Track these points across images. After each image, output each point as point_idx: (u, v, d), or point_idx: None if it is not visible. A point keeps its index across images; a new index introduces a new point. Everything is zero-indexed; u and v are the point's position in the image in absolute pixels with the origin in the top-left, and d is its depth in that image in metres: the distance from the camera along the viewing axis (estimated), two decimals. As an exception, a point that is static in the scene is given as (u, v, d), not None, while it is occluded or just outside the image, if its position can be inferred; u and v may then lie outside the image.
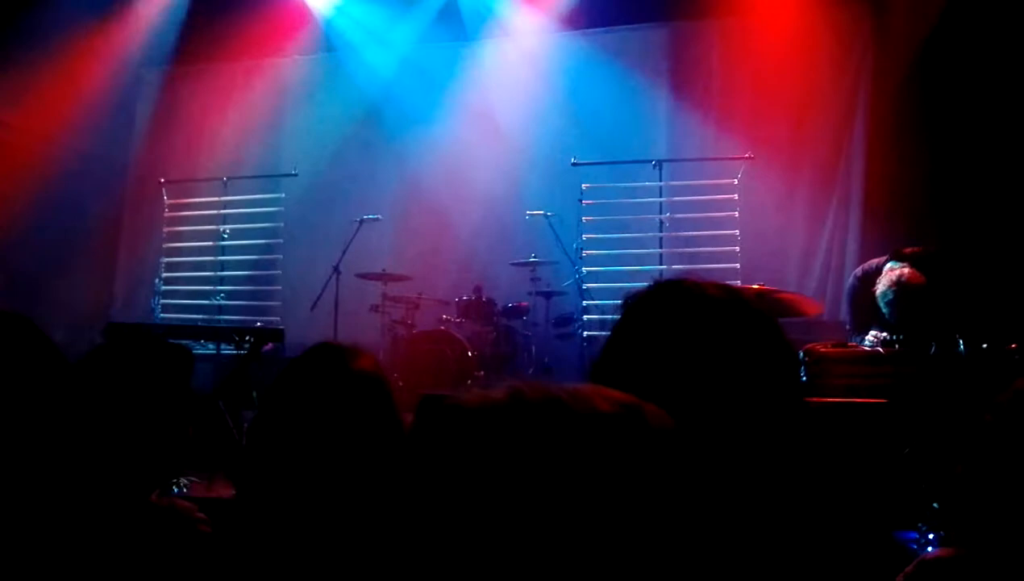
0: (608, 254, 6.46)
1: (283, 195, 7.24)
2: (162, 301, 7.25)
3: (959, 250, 4.75)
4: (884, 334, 4.08)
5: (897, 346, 3.96)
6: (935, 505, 3.18)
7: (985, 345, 3.65)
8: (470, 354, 5.85)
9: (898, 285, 4.11)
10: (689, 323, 0.96)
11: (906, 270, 4.17)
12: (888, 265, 4.26)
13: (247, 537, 1.37)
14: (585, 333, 6.19)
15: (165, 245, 7.39)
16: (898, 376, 3.75)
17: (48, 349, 1.59)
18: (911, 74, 5.93)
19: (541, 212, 6.32)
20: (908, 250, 4.34)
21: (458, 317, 6.23)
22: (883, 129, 6.07)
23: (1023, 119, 5.30)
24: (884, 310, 4.15)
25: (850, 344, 4.24)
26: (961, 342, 3.71)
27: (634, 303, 1.01)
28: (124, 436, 1.41)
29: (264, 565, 1.34)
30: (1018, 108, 5.33)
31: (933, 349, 3.80)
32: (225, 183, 7.21)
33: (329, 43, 7.54)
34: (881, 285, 4.20)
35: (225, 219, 7.20)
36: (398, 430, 1.49)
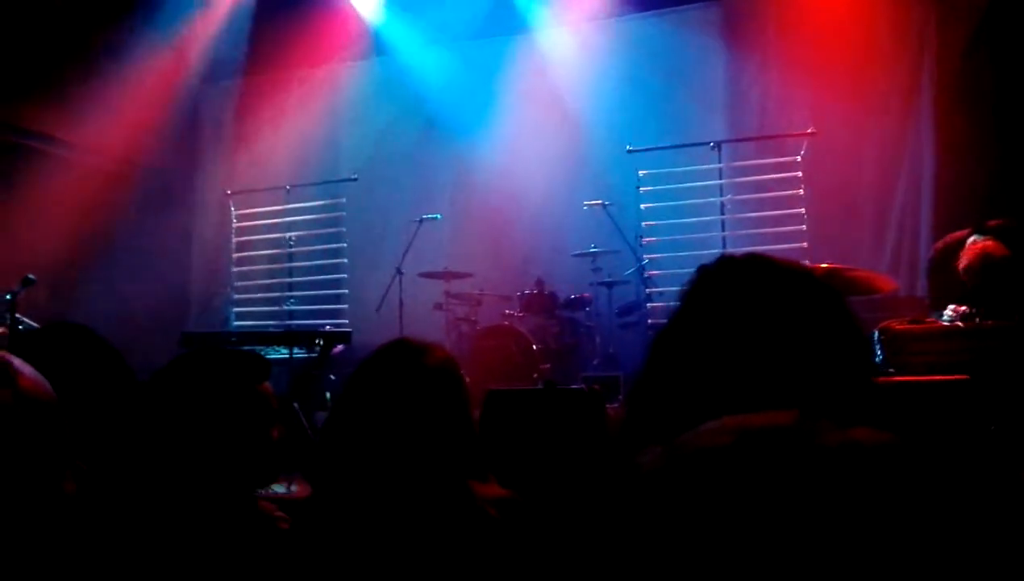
0: (669, 241, 6.36)
1: (344, 200, 7.37)
2: (236, 309, 7.48)
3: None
4: (963, 308, 3.92)
5: (977, 320, 3.80)
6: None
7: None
8: (535, 347, 5.86)
9: (983, 256, 3.99)
10: (760, 295, 0.93)
11: (990, 242, 4.04)
12: (971, 238, 4.12)
13: (323, 533, 1.41)
14: (650, 321, 6.12)
15: (235, 254, 7.62)
16: (979, 351, 3.60)
17: (111, 357, 1.65)
18: (976, 39, 5.66)
19: (599, 202, 6.28)
20: (992, 223, 4.18)
21: (521, 311, 6.25)
22: (950, 97, 5.81)
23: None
24: (969, 280, 4.03)
25: (928, 320, 4.09)
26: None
27: (703, 276, 0.98)
28: (207, 442, 1.45)
29: (340, 561, 1.37)
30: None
31: (1015, 322, 3.63)
32: (288, 191, 7.38)
33: (381, 47, 7.64)
34: (965, 258, 4.08)
35: (290, 226, 7.37)
36: (469, 425, 1.50)
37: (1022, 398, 3.15)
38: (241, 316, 7.46)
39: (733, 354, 0.89)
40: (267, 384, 1.50)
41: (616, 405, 5.12)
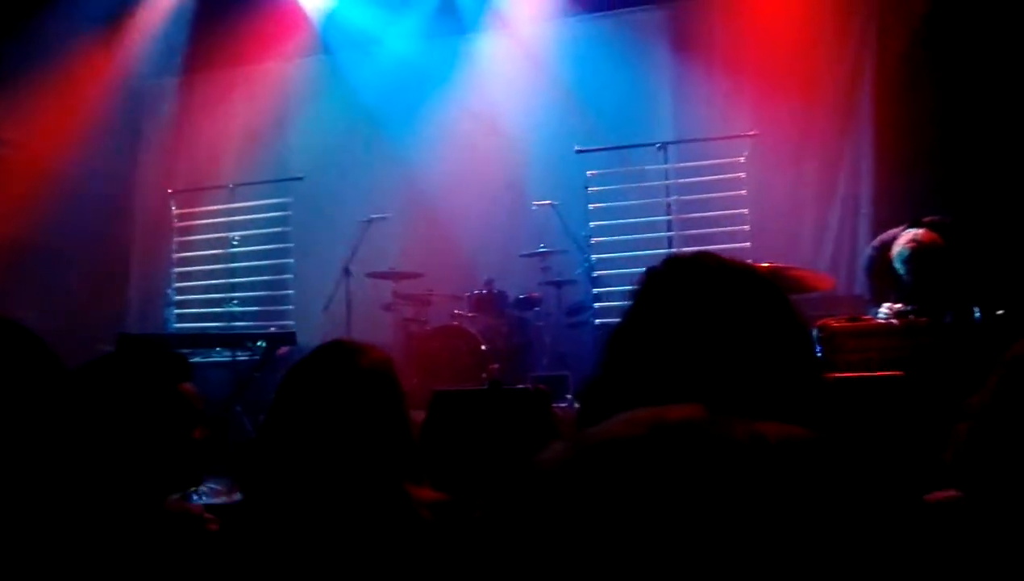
0: (617, 240, 6.41)
1: (290, 199, 7.26)
2: (176, 311, 7.30)
3: (974, 218, 4.68)
4: (899, 306, 4.03)
5: (911, 317, 3.91)
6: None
7: (1001, 312, 3.59)
8: (484, 348, 5.84)
9: (914, 244, 4.09)
10: (706, 294, 0.95)
11: (922, 232, 4.14)
12: (905, 231, 4.23)
13: (253, 536, 1.38)
14: (597, 320, 6.16)
15: (176, 255, 7.43)
16: (913, 348, 3.70)
17: (43, 355, 1.59)
18: (915, 41, 5.83)
19: (548, 202, 6.29)
20: (927, 218, 4.30)
21: (470, 311, 6.22)
22: (890, 98, 5.98)
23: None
24: (900, 270, 4.13)
25: (865, 318, 4.19)
26: (977, 310, 3.65)
27: (651, 276, 1.00)
28: (123, 442, 1.42)
29: (269, 564, 1.34)
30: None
31: (948, 318, 3.74)
32: (232, 190, 7.23)
33: (326, 45, 7.53)
34: (897, 246, 4.17)
35: (234, 226, 7.23)
36: (405, 427, 1.48)
37: (955, 394, 3.25)
38: (182, 318, 7.28)
39: (681, 352, 0.91)
40: (188, 385, 1.47)
41: (564, 404, 5.14)
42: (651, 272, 1.01)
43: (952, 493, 1.26)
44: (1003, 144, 5.30)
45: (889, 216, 5.25)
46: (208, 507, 1.73)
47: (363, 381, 1.39)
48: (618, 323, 0.99)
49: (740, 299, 0.94)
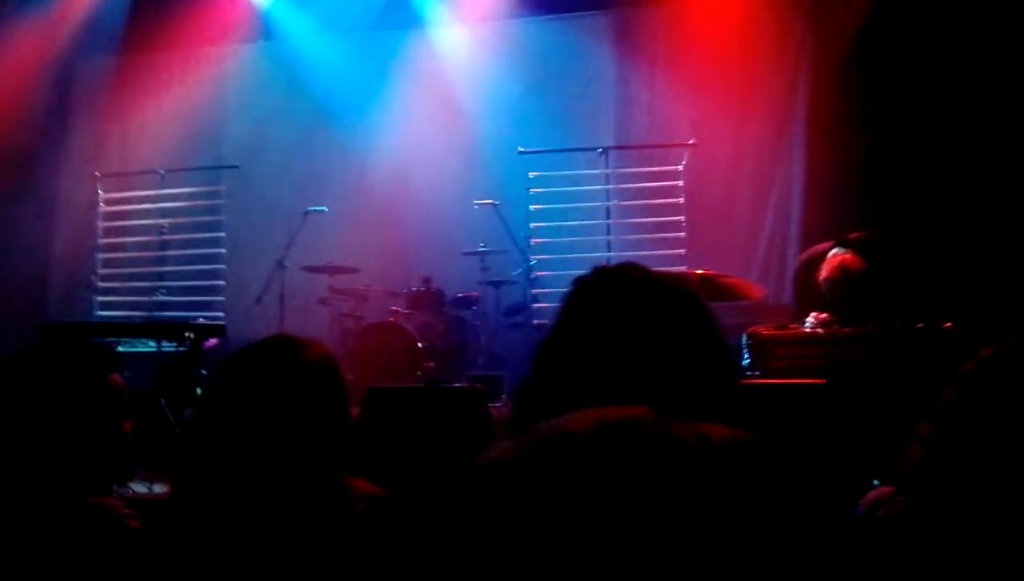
0: (557, 242, 6.47)
1: (224, 187, 7.07)
2: (100, 298, 7.03)
3: (899, 233, 4.88)
4: (824, 316, 4.17)
5: (836, 327, 4.05)
6: (875, 483, 3.26)
7: (920, 325, 3.75)
8: (420, 345, 5.81)
9: (840, 271, 4.24)
10: (631, 304, 0.99)
11: (848, 256, 4.29)
12: (832, 251, 4.38)
13: (183, 531, 1.34)
14: (535, 322, 6.19)
15: (102, 240, 7.16)
16: (837, 357, 3.84)
17: None
18: (849, 59, 6.04)
19: (489, 201, 6.30)
20: (852, 236, 4.45)
21: (407, 308, 6.18)
22: (822, 114, 6.19)
23: (960, 103, 5.44)
24: (827, 293, 4.26)
25: (792, 326, 4.33)
26: (898, 323, 3.81)
27: (579, 286, 1.03)
28: (48, 435, 1.36)
29: (200, 558, 1.30)
30: (955, 92, 5.48)
31: (871, 330, 3.89)
32: (163, 176, 7.01)
33: (270, 31, 7.37)
34: (824, 271, 4.31)
35: (164, 213, 7.01)
36: (347, 423, 1.46)
37: (875, 402, 3.38)
38: (106, 306, 7.01)
39: (607, 359, 0.94)
40: (117, 376, 1.42)
41: (500, 404, 5.15)
42: (579, 282, 1.04)
43: (888, 490, 1.31)
44: (931, 159, 5.54)
45: (818, 228, 5.43)
46: (129, 500, 1.68)
47: (307, 375, 1.36)
48: (548, 330, 1.03)
49: (663, 309, 0.98)
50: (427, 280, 6.27)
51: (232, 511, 1.30)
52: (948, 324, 3.74)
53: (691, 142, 6.29)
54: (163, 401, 4.92)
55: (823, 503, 0.70)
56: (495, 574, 0.67)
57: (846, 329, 4.03)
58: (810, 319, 4.20)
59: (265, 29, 7.36)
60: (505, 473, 0.71)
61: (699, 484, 0.65)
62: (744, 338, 4.24)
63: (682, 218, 6.32)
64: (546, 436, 0.73)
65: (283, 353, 1.41)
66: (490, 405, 3.93)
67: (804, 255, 4.73)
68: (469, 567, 0.69)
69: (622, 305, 0.99)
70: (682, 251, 6.17)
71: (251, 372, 1.36)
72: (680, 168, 6.33)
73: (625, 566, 0.63)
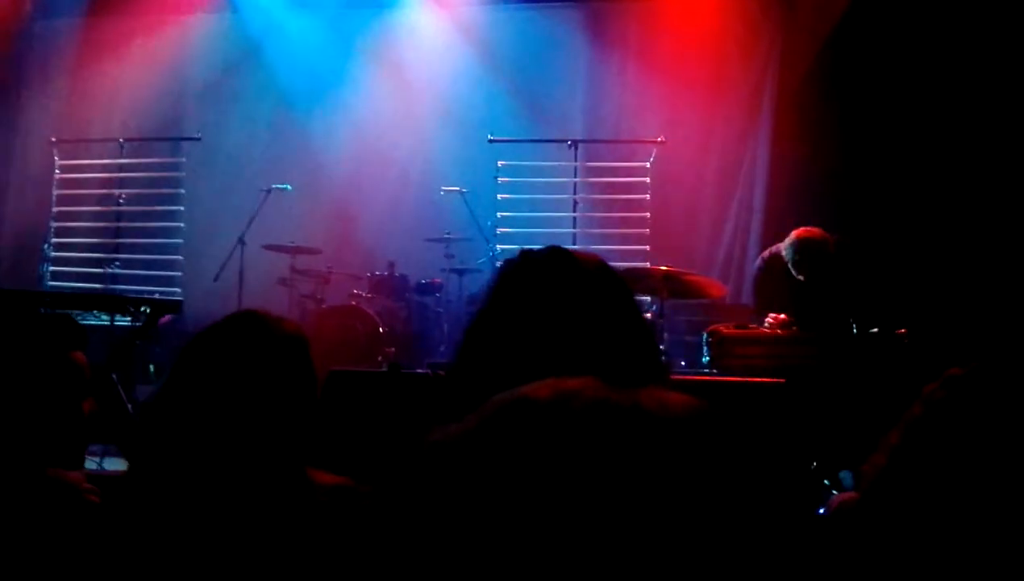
0: (522, 232, 6.46)
1: (185, 160, 6.91)
2: (51, 268, 6.82)
3: (860, 237, 4.98)
4: (782, 316, 4.26)
5: (794, 328, 4.14)
6: (826, 483, 3.34)
7: (875, 330, 3.85)
8: (381, 330, 5.76)
9: (798, 241, 4.33)
10: (554, 286, 1.01)
11: (801, 229, 4.39)
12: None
13: (144, 510, 1.31)
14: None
15: (55, 209, 6.95)
16: (794, 357, 3.92)
17: None
18: (816, 64, 6.15)
19: (456, 188, 6.27)
20: None
21: (369, 292, 6.12)
22: (788, 117, 6.28)
23: (927, 109, 5.57)
24: (789, 258, 4.35)
25: (751, 326, 4.41)
26: (854, 326, 3.90)
27: (506, 269, 1.06)
28: (9, 412, 1.32)
29: (158, 539, 1.27)
30: (921, 98, 5.60)
31: (827, 333, 3.98)
32: (122, 145, 6.82)
33: (237, 3, 7.20)
34: (785, 251, 4.40)
35: (122, 183, 6.82)
36: (312, 404, 1.44)
37: (830, 401, 3.46)
38: (57, 276, 6.81)
39: (532, 337, 0.97)
40: (80, 353, 1.37)
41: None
42: (505, 265, 1.06)
43: (853, 496, 1.33)
44: (895, 164, 5.66)
45: (780, 230, 5.51)
46: (89, 476, 1.64)
47: (279, 349, 1.34)
48: (474, 314, 1.03)
49: (587, 291, 1.00)
50: (391, 265, 6.22)
51: (195, 491, 1.27)
52: (902, 330, 3.85)
53: (660, 140, 6.34)
54: (115, 376, 4.80)
55: (781, 473, 0.72)
56: (461, 549, 0.66)
57: (803, 331, 4.12)
58: (768, 319, 4.28)
59: (232, 1, 7.19)
60: (464, 445, 0.71)
61: (661, 447, 0.66)
62: (704, 336, 4.31)
63: (647, 214, 6.37)
64: (503, 405, 0.72)
65: (255, 328, 1.38)
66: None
67: (765, 254, 4.81)
68: (433, 545, 0.68)
69: (545, 286, 1.00)
70: (646, 247, 6.22)
71: (222, 346, 1.33)
72: (648, 165, 6.38)
73: (594, 534, 0.63)
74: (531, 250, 1.06)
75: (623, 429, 0.65)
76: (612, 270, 1.04)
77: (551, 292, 0.99)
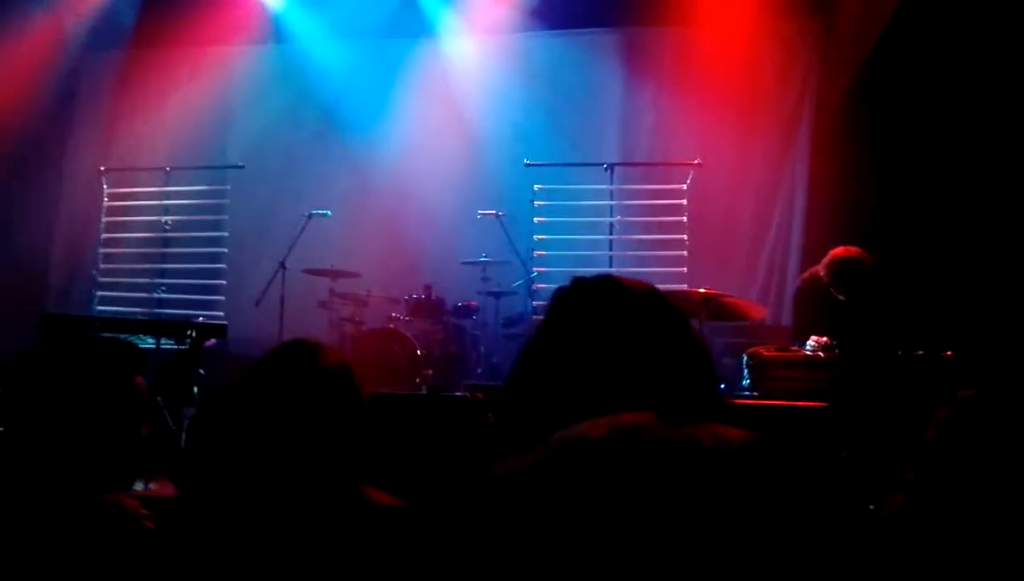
0: (559, 255, 6.48)
1: (229, 187, 7.08)
2: (100, 293, 7.02)
3: (901, 259, 4.91)
4: (824, 339, 4.20)
5: (837, 351, 4.08)
6: (871, 507, 3.27)
7: (921, 352, 3.78)
8: (419, 353, 5.81)
9: (835, 261, 4.29)
10: (608, 314, 1.01)
11: (839, 248, 4.35)
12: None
13: (203, 533, 1.34)
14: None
15: (104, 235, 7.15)
16: (837, 380, 3.86)
17: None
18: (854, 86, 6.10)
19: (493, 212, 6.31)
20: None
21: (407, 315, 6.18)
22: (826, 139, 6.24)
23: (964, 132, 5.49)
24: (833, 289, 4.30)
25: (792, 348, 4.35)
26: (898, 349, 3.83)
27: (559, 297, 1.06)
28: (72, 437, 1.36)
29: (213, 565, 1.30)
30: (957, 121, 5.53)
31: (871, 355, 3.92)
32: (168, 173, 7.01)
33: (280, 34, 7.39)
34: (824, 271, 4.35)
35: (168, 210, 7.00)
36: (364, 430, 1.47)
37: (873, 426, 3.40)
38: (106, 301, 7.00)
39: (586, 368, 0.96)
40: (140, 378, 1.42)
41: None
42: (558, 293, 1.06)
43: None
44: (933, 187, 5.58)
45: (819, 252, 5.46)
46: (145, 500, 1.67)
47: (327, 381, 1.37)
48: (529, 339, 1.04)
49: (637, 319, 1.00)
50: (428, 288, 6.27)
51: (250, 517, 1.30)
52: (948, 352, 3.77)
53: (696, 162, 6.33)
54: (160, 400, 4.90)
55: (839, 503, 0.72)
56: None
57: (846, 353, 4.05)
58: (811, 342, 4.23)
59: (275, 31, 7.39)
60: (524, 482, 0.72)
61: (719, 484, 0.67)
62: (744, 358, 4.27)
63: (684, 236, 6.35)
64: (562, 444, 0.74)
65: (303, 359, 1.42)
66: (489, 415, 3.93)
67: (805, 275, 4.76)
68: (491, 577, 0.70)
69: (599, 314, 1.00)
70: (684, 269, 6.19)
71: (271, 378, 1.37)
72: (684, 187, 6.37)
73: (650, 570, 0.64)
74: (583, 277, 1.07)
75: (680, 467, 0.66)
76: (664, 297, 1.04)
77: (604, 320, 0.99)
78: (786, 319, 5.92)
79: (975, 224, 5.34)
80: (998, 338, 4.40)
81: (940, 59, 5.59)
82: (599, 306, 1.01)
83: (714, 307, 4.45)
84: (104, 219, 7.15)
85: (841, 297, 4.32)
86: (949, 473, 1.31)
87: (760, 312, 5.13)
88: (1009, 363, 3.83)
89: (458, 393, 4.12)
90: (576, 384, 0.94)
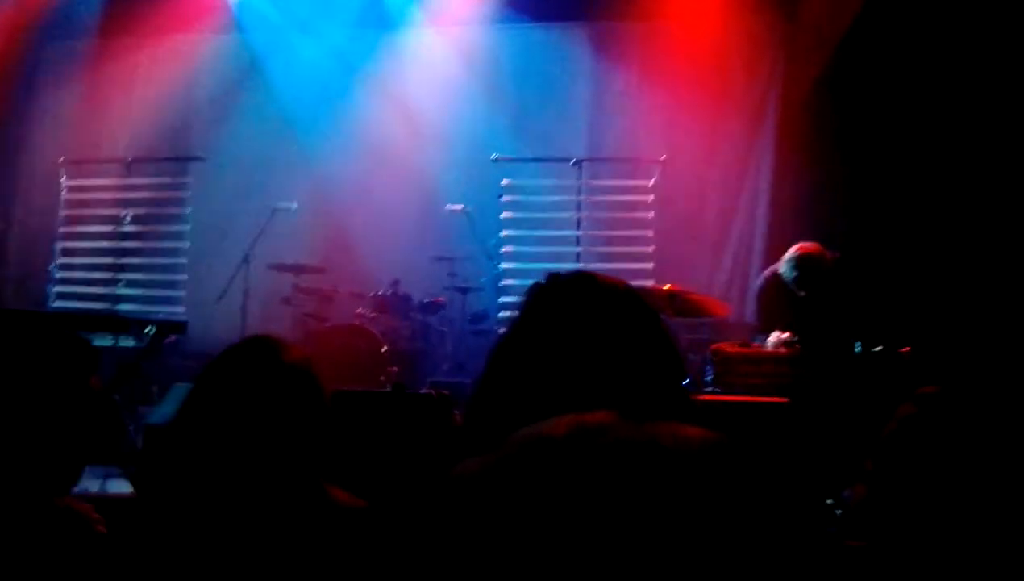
0: (526, 251, 6.48)
1: (190, 180, 6.96)
2: (57, 288, 6.86)
3: (863, 254, 4.99)
4: (786, 335, 4.25)
5: (797, 347, 4.13)
6: (829, 502, 3.32)
7: (879, 348, 3.84)
8: (384, 349, 5.77)
9: (795, 257, 4.35)
10: (583, 310, 1.00)
11: (798, 245, 4.41)
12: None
13: (156, 536, 1.31)
14: (501, 329, 6.18)
15: (61, 229, 6.99)
16: (798, 376, 3.92)
17: None
18: (819, 83, 6.17)
19: (460, 207, 6.29)
20: None
21: (373, 311, 6.13)
22: (791, 136, 6.30)
23: (927, 127, 5.59)
24: (787, 276, 4.37)
25: (754, 345, 4.40)
26: (857, 345, 3.89)
27: (534, 292, 1.05)
28: (21, 434, 1.32)
29: (183, 559, 1.27)
30: (922, 117, 5.62)
31: (831, 352, 3.98)
32: (128, 165, 6.87)
33: (242, 23, 7.26)
34: (783, 268, 4.41)
35: (127, 203, 6.86)
36: (327, 427, 1.45)
37: (834, 422, 3.45)
38: (63, 296, 6.84)
39: (559, 364, 0.96)
40: (96, 378, 1.38)
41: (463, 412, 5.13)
42: (533, 288, 1.06)
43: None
44: (897, 183, 5.67)
45: (783, 249, 5.53)
46: (85, 498, 1.63)
47: (289, 377, 1.35)
48: (503, 335, 1.04)
49: (615, 315, 1.00)
50: (394, 284, 6.23)
51: (209, 516, 1.27)
52: (905, 348, 3.84)
53: (663, 158, 6.36)
54: (118, 397, 4.80)
55: (800, 504, 0.72)
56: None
57: (807, 350, 4.11)
58: (772, 338, 4.28)
59: (237, 21, 7.26)
60: (485, 481, 0.72)
61: (678, 482, 0.67)
62: (708, 354, 4.31)
63: (651, 232, 6.38)
64: (522, 443, 0.73)
65: (264, 354, 1.39)
66: (455, 412, 3.91)
67: (767, 272, 4.81)
68: (452, 576, 0.69)
69: (574, 310, 1.00)
70: (650, 265, 6.23)
71: (232, 374, 1.34)
72: (651, 183, 6.40)
73: (611, 566, 0.64)
74: (558, 273, 1.06)
75: (639, 466, 0.66)
76: (639, 293, 1.04)
77: (580, 315, 0.99)
78: (750, 316, 5.99)
79: (938, 221, 5.43)
80: (955, 335, 4.49)
81: (905, 55, 5.68)
82: (575, 302, 1.01)
83: (679, 303, 4.48)
84: (62, 212, 6.99)
85: (802, 294, 4.38)
86: (913, 468, 1.33)
87: (724, 309, 5.18)
88: (965, 360, 3.91)
89: (423, 390, 4.10)
90: (551, 379, 0.93)
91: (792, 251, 4.41)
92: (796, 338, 4.19)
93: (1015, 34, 5.29)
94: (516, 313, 1.05)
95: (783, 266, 4.43)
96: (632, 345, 0.97)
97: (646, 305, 1.02)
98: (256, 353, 1.39)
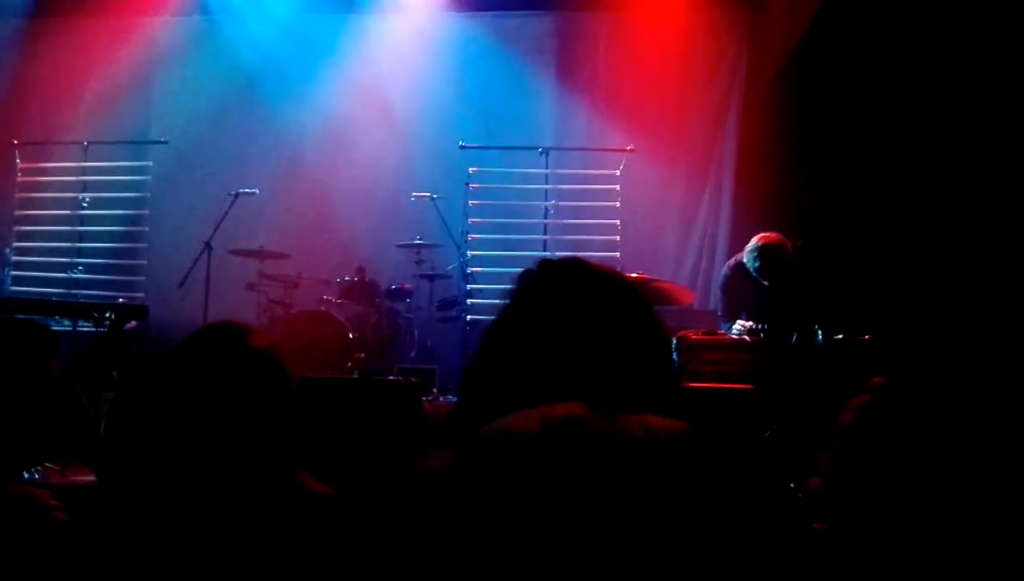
0: (493, 239, 6.48)
1: (151, 163, 6.82)
2: (13, 273, 6.68)
3: (825, 243, 5.07)
4: (750, 323, 4.33)
5: (761, 335, 4.21)
6: (792, 486, 3.40)
7: (841, 336, 3.93)
8: (351, 336, 5.73)
9: (757, 247, 4.43)
10: (576, 297, 1.00)
11: (760, 234, 4.49)
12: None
13: (117, 524, 1.29)
14: (468, 317, 6.19)
15: (17, 212, 6.81)
16: (762, 363, 3.99)
17: None
18: (782, 74, 6.25)
19: (427, 194, 6.26)
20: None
21: (339, 298, 6.08)
22: (754, 126, 6.39)
23: (886, 119, 5.69)
24: (750, 265, 4.44)
25: (719, 332, 4.47)
26: (820, 332, 3.97)
27: (526, 278, 1.04)
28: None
29: (147, 548, 1.26)
30: (882, 109, 5.72)
31: (794, 339, 4.05)
32: (86, 148, 6.70)
33: (205, 5, 7.12)
34: (747, 257, 4.48)
35: (86, 186, 6.70)
36: (293, 414, 1.44)
37: (796, 407, 3.52)
38: (20, 281, 6.67)
39: (552, 351, 0.95)
40: (55, 362, 1.35)
41: (430, 398, 5.13)
42: (526, 274, 1.05)
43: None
44: (859, 173, 5.77)
45: (746, 238, 5.61)
46: (44, 486, 1.61)
47: (252, 363, 1.33)
48: (493, 321, 1.04)
49: (608, 303, 1.00)
50: (360, 270, 6.19)
51: (172, 504, 1.26)
52: (866, 336, 3.93)
53: (629, 148, 6.40)
54: (77, 384, 4.71)
55: (769, 491, 0.73)
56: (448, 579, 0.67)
57: (770, 337, 4.19)
58: (737, 326, 4.35)
59: (200, 3, 7.11)
60: (452, 478, 0.71)
61: (649, 475, 0.67)
62: (673, 342, 4.36)
63: (617, 221, 6.43)
64: (492, 438, 0.73)
65: (228, 340, 1.38)
66: (423, 399, 3.91)
67: (731, 261, 4.88)
68: (421, 572, 0.69)
69: (568, 297, 1.00)
70: (616, 254, 6.27)
71: (197, 359, 1.33)
72: (617, 173, 6.44)
73: (581, 563, 0.64)
74: (550, 260, 1.06)
75: (611, 459, 0.66)
76: (629, 281, 1.04)
77: (573, 302, 0.99)
78: (714, 304, 6.07)
79: (899, 209, 5.55)
80: (914, 323, 4.60)
81: (867, 49, 5.77)
82: (567, 288, 1.00)
83: (645, 292, 4.52)
84: (17, 195, 6.81)
85: (765, 282, 4.46)
86: (871, 461, 1.35)
87: (689, 297, 5.24)
88: (923, 348, 4.02)
89: (391, 377, 4.09)
90: (543, 366, 0.93)
91: (755, 241, 4.49)
92: (760, 326, 4.27)
93: (977, 28, 5.41)
94: (506, 299, 1.05)
95: (746, 255, 4.50)
96: (623, 332, 0.97)
97: (637, 293, 1.03)
98: (220, 339, 1.37)
